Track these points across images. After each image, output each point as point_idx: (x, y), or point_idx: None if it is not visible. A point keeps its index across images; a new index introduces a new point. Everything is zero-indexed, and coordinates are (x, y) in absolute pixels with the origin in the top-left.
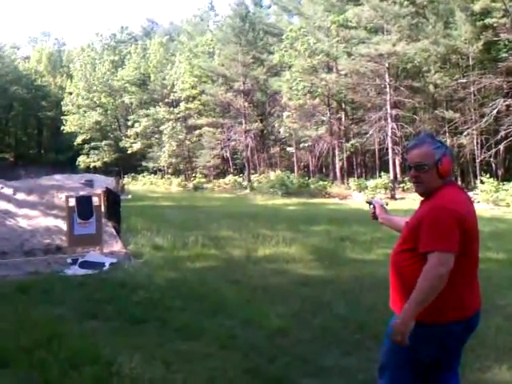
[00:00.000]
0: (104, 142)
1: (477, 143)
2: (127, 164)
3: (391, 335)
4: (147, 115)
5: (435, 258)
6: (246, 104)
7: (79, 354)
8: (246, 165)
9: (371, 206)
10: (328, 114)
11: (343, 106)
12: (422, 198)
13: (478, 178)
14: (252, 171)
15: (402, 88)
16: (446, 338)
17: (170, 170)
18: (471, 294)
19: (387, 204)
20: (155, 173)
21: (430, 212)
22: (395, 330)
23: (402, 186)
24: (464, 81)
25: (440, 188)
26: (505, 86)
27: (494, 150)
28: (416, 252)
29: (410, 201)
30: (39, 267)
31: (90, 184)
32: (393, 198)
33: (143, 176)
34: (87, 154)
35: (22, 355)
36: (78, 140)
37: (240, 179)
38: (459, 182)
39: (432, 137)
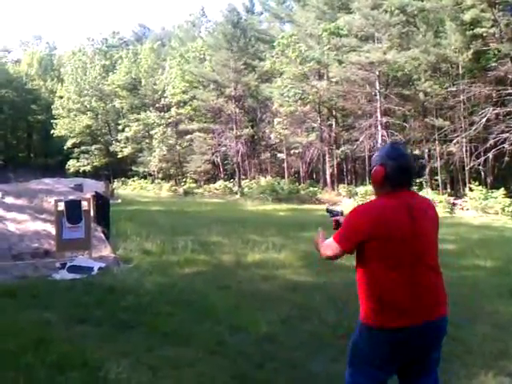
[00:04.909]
0: (94, 146)
1: (466, 151)
2: (117, 168)
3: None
4: (138, 120)
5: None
6: (237, 110)
7: (66, 359)
8: (237, 170)
9: (329, 215)
10: (319, 121)
11: (334, 113)
12: None
13: (467, 185)
14: (242, 177)
15: (392, 96)
16: (391, 344)
17: (160, 175)
18: (415, 303)
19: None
20: (145, 177)
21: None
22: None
23: None
24: (454, 89)
25: (380, 194)
26: (494, 95)
27: (483, 158)
28: (358, 256)
29: None
30: (27, 271)
31: (79, 188)
32: None
33: (133, 180)
34: (77, 158)
35: (8, 359)
36: (68, 144)
37: (230, 185)
38: (448, 190)
39: (390, 144)
